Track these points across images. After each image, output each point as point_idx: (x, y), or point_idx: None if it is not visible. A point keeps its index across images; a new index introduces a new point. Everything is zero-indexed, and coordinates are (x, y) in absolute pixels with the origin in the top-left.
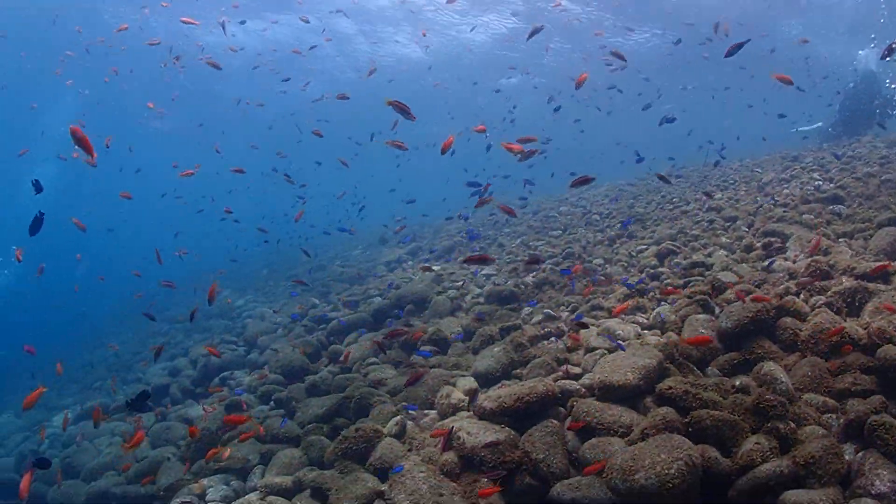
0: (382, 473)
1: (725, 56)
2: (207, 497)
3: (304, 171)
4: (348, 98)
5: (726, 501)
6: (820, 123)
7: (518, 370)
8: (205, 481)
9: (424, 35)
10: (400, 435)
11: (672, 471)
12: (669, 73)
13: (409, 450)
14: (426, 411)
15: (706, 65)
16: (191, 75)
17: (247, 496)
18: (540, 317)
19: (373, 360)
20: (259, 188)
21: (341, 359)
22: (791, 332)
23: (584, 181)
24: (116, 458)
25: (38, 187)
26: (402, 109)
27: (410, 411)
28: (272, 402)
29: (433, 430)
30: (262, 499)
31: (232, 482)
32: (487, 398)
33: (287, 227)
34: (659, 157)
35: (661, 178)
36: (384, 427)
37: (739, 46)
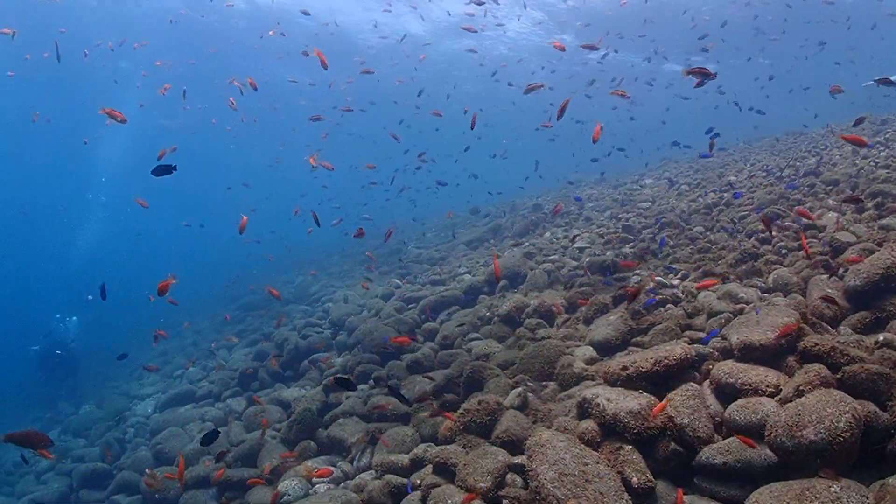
0: (510, 446)
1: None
2: (314, 479)
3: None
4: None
5: (883, 455)
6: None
7: (637, 338)
8: (310, 463)
9: None
10: (523, 407)
11: (841, 424)
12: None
13: (534, 421)
14: (545, 382)
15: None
16: None
17: (361, 475)
18: (652, 284)
19: (474, 335)
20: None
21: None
22: None
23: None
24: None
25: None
26: (703, 73)
27: None
28: (371, 381)
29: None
30: (378, 478)
31: (339, 463)
32: (621, 363)
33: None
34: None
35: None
36: (504, 400)
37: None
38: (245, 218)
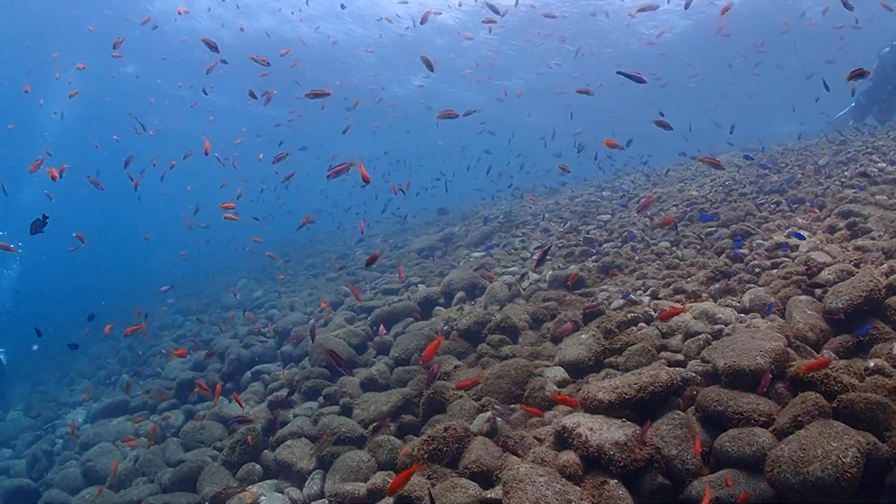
0: (481, 478)
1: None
2: None
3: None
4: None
5: (881, 488)
6: (853, 104)
7: (611, 358)
8: (254, 489)
9: None
10: (492, 433)
11: (848, 459)
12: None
13: (505, 450)
14: (513, 405)
15: None
16: None
17: None
18: (621, 301)
19: None
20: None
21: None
22: None
23: None
24: (146, 463)
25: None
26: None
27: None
28: (321, 398)
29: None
30: None
31: (287, 489)
32: (601, 389)
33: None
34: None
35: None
36: (471, 425)
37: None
38: None
